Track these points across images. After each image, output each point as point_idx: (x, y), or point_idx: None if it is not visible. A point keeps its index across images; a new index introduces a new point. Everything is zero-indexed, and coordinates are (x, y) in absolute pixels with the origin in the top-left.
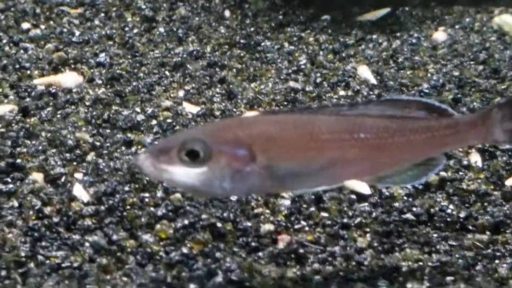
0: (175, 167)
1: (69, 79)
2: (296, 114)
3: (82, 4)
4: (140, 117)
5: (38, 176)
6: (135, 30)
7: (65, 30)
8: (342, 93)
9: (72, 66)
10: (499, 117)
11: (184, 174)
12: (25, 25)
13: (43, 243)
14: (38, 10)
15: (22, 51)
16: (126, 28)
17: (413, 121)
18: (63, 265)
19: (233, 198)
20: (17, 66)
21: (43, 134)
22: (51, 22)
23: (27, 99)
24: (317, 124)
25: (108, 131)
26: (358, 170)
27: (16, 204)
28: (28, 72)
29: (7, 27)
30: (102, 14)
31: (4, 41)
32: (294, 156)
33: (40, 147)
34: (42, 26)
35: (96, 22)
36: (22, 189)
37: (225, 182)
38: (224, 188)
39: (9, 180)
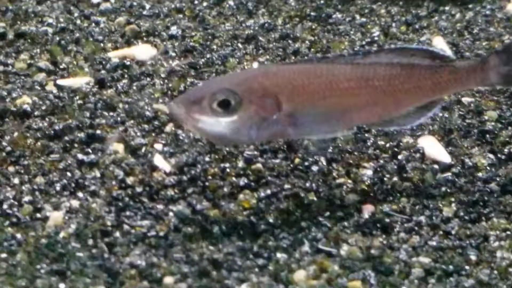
0: (207, 117)
1: (143, 51)
2: (316, 64)
3: None
4: None
5: (118, 147)
6: (205, 4)
7: (135, 3)
8: None
9: (145, 39)
10: (495, 63)
11: (215, 123)
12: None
13: (128, 213)
14: None
15: (93, 25)
16: (196, 2)
17: (419, 68)
18: (148, 234)
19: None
20: (90, 39)
21: (121, 105)
22: None
23: (102, 72)
24: (335, 73)
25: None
26: (370, 114)
27: (98, 174)
28: (102, 45)
29: (77, 1)
30: None
31: (76, 14)
32: (316, 103)
33: (119, 118)
34: (112, 0)
35: None
36: (103, 159)
37: (252, 130)
38: (250, 136)
39: (90, 150)
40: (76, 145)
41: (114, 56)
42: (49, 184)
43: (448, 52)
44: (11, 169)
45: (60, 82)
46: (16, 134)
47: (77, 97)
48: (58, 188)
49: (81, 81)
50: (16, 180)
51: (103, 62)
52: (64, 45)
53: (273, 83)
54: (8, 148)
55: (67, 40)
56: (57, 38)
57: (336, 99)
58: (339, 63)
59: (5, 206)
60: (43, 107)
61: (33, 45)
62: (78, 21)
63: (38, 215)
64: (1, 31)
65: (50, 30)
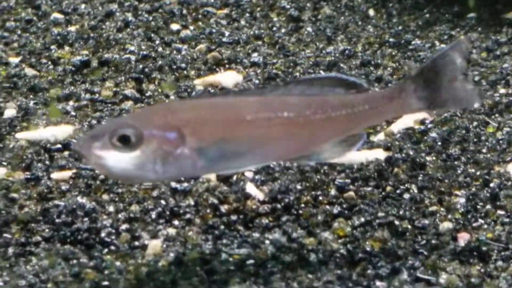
0: (108, 153)
1: (228, 78)
2: (222, 97)
3: (227, 4)
4: None
5: (211, 175)
6: (283, 30)
7: (214, 30)
8: (502, 91)
9: (227, 66)
10: (412, 88)
11: (116, 159)
12: (174, 26)
13: (224, 241)
14: (184, 11)
15: (175, 52)
16: (274, 28)
17: (333, 98)
18: (247, 262)
19: (406, 196)
20: (174, 66)
21: None
22: (199, 23)
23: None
24: (242, 105)
25: None
26: (284, 148)
27: (192, 202)
28: (185, 72)
29: (157, 28)
30: (248, 14)
31: (157, 42)
32: (222, 137)
33: None
34: (191, 27)
35: (243, 22)
36: (197, 187)
37: (157, 166)
38: (157, 172)
39: (182, 179)
40: None
41: (199, 83)
42: (144, 212)
43: (361, 80)
44: (105, 197)
45: None
46: None
47: None
48: (153, 216)
49: None
50: (111, 208)
51: (188, 90)
52: (148, 73)
53: (176, 116)
54: (102, 177)
55: (150, 67)
56: (140, 66)
57: (243, 132)
58: (246, 96)
59: (103, 234)
60: None
61: (117, 72)
62: (160, 49)
63: (137, 243)
64: (85, 59)
65: (132, 57)
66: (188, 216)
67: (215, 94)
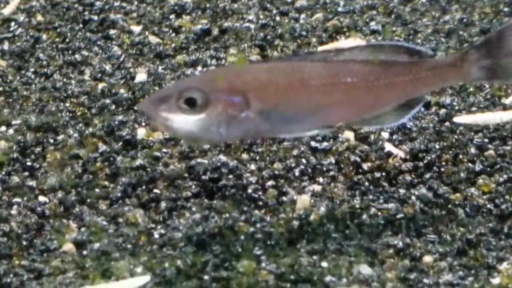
0: (175, 115)
1: (352, 44)
2: (286, 61)
3: None
4: None
5: (349, 135)
6: (396, 0)
7: (328, 1)
8: None
9: (346, 33)
10: (475, 57)
11: (183, 121)
12: None
13: (371, 197)
14: None
15: (293, 21)
16: None
17: (397, 64)
18: (397, 216)
19: None
20: (295, 34)
21: None
22: None
23: None
24: (306, 70)
25: None
26: (346, 113)
27: (333, 160)
28: (306, 39)
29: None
30: None
31: (273, 11)
32: (285, 101)
33: None
34: None
35: None
36: (336, 146)
37: (222, 128)
38: (221, 134)
39: (321, 139)
40: None
41: (323, 50)
42: (287, 170)
43: (426, 48)
44: (245, 156)
45: None
46: None
47: None
48: (297, 174)
49: None
50: (253, 167)
51: None
52: (270, 40)
53: (241, 81)
54: None
55: (271, 35)
56: (261, 34)
57: (307, 97)
58: (311, 61)
59: (250, 190)
60: None
61: (238, 40)
62: (277, 18)
63: (284, 198)
64: (206, 28)
65: (252, 26)
66: (331, 173)
67: (280, 57)
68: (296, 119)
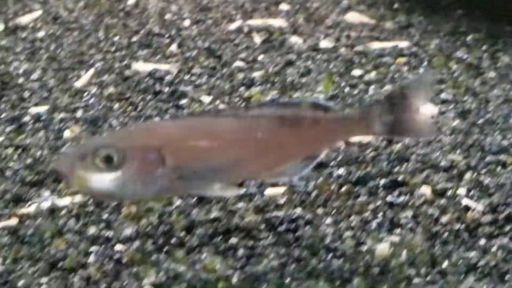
0: (91, 173)
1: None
2: (199, 117)
3: (403, 55)
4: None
5: (426, 190)
6: (464, 76)
7: (396, 76)
8: None
9: None
10: (378, 112)
11: (99, 179)
12: (356, 72)
13: (451, 246)
14: (363, 60)
15: (362, 92)
16: (455, 74)
17: (304, 118)
18: (478, 264)
19: None
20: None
21: (413, 157)
22: (381, 69)
23: None
24: (218, 126)
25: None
26: (258, 167)
27: (410, 214)
28: None
29: (339, 74)
30: (426, 63)
31: (342, 84)
32: (199, 157)
33: (416, 166)
34: (373, 72)
35: (421, 70)
36: (413, 201)
37: (137, 185)
38: (136, 191)
39: (396, 194)
40: (380, 189)
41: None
42: (364, 223)
43: (331, 102)
44: (319, 211)
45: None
46: (319, 180)
47: (368, 150)
48: (374, 226)
49: (367, 138)
50: (328, 220)
51: None
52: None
53: (156, 137)
54: (315, 192)
55: (342, 105)
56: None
57: (220, 152)
58: (222, 116)
59: (327, 241)
60: (338, 159)
61: None
62: (347, 89)
63: (363, 248)
64: (275, 97)
65: (321, 95)
66: (409, 225)
67: (193, 114)
68: (210, 175)
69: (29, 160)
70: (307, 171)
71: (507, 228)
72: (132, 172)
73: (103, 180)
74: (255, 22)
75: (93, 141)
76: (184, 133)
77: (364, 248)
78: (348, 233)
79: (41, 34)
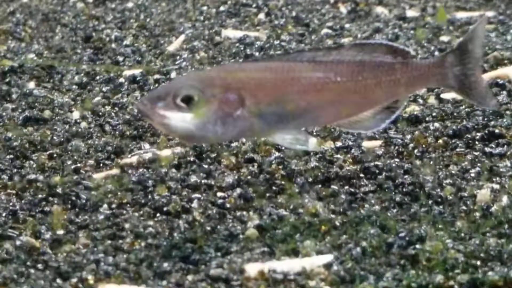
0: (171, 112)
1: None
2: (279, 61)
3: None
4: None
5: None
6: None
7: (485, 41)
8: None
9: (508, 65)
10: (451, 62)
11: (179, 118)
12: (445, 38)
13: None
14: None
15: None
16: None
17: (381, 65)
18: None
19: None
20: None
21: (508, 112)
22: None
23: None
24: (297, 70)
25: None
26: (336, 112)
27: (509, 163)
28: None
29: (427, 40)
30: None
31: (432, 48)
32: (279, 100)
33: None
34: None
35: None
36: (510, 151)
37: (217, 126)
38: (216, 132)
39: (493, 145)
40: (477, 141)
41: (487, 77)
42: (463, 172)
43: (408, 48)
44: (417, 162)
45: (442, 95)
46: (416, 133)
47: (463, 106)
48: (473, 174)
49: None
50: (427, 170)
51: None
52: None
53: (236, 79)
54: (411, 144)
55: None
56: None
57: (299, 96)
58: (301, 61)
59: (427, 188)
60: (433, 114)
61: None
62: (437, 53)
63: (463, 194)
64: None
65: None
66: (510, 173)
67: (273, 57)
68: (288, 118)
69: (127, 116)
70: (386, 125)
71: None
72: (212, 112)
73: (184, 119)
74: None
75: (175, 82)
76: (264, 76)
77: (465, 194)
78: (447, 181)
79: (130, 5)
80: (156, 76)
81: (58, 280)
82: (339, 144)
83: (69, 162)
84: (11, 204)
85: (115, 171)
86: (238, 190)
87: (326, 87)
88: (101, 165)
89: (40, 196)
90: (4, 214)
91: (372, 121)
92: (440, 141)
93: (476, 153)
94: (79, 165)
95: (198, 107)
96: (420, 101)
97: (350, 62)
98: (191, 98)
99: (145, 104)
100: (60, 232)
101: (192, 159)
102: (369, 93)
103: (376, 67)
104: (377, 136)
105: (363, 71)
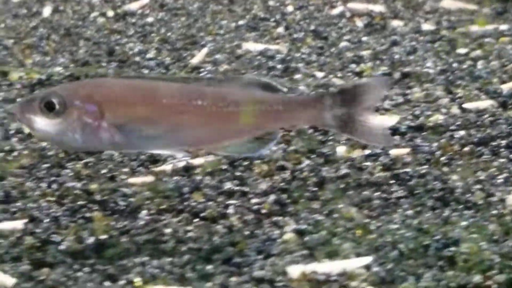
0: (36, 116)
1: None
2: (148, 80)
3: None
4: None
5: None
6: None
7: (502, 53)
8: None
9: None
10: (329, 103)
11: (42, 123)
12: (462, 51)
13: None
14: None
15: (471, 67)
16: None
17: (249, 94)
18: None
19: None
20: (475, 75)
21: None
22: (486, 47)
23: (499, 98)
24: (162, 90)
25: None
26: (199, 137)
27: None
28: (487, 80)
29: (445, 52)
30: None
31: (450, 60)
32: (138, 116)
33: None
34: (478, 50)
35: None
36: None
37: (77, 134)
38: (76, 140)
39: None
40: (502, 149)
41: (506, 87)
42: (491, 177)
43: (280, 84)
44: (445, 168)
45: (464, 105)
46: (442, 142)
47: (486, 115)
48: (501, 180)
49: (483, 104)
50: (456, 176)
51: (497, 91)
52: (452, 81)
53: (98, 91)
54: (439, 152)
55: (452, 78)
56: (442, 76)
57: (158, 115)
58: (170, 82)
59: (456, 194)
60: (457, 122)
61: (420, 82)
62: (455, 65)
63: (493, 199)
64: (387, 72)
65: (431, 71)
66: None
67: (144, 76)
68: (148, 136)
69: None
70: (260, 153)
71: None
72: (71, 120)
73: (46, 124)
74: (356, 7)
75: (46, 90)
76: (126, 92)
77: (494, 199)
78: (476, 187)
79: (149, 19)
80: None
81: (107, 283)
82: (367, 152)
83: (104, 171)
84: (52, 210)
85: (150, 178)
86: (272, 196)
87: (187, 109)
88: (136, 173)
89: (79, 203)
90: (47, 220)
91: (244, 148)
92: (466, 148)
93: (502, 160)
94: (114, 173)
95: (58, 114)
96: (443, 110)
97: (217, 88)
98: (53, 104)
99: (17, 107)
100: (103, 236)
101: (225, 167)
102: (232, 121)
103: (241, 96)
104: (403, 144)
105: (227, 99)
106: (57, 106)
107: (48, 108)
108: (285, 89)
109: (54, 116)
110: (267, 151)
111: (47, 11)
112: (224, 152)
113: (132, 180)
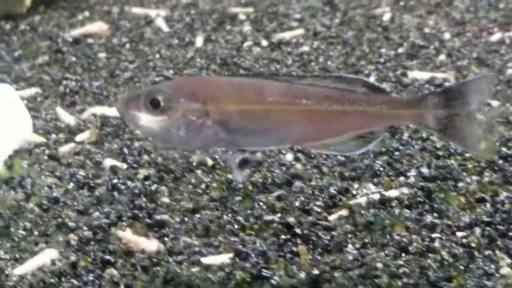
0: (141, 113)
1: None
2: (250, 78)
3: None
4: None
5: None
6: None
7: None
8: None
9: None
10: (432, 103)
11: (147, 120)
12: None
13: None
14: None
15: None
16: None
17: (354, 94)
18: None
19: None
20: None
21: None
22: None
23: None
24: (266, 88)
25: None
26: (303, 134)
27: None
28: None
29: None
30: None
31: None
32: (243, 114)
33: None
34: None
35: None
36: None
37: (181, 131)
38: (180, 137)
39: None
40: None
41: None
42: None
43: (385, 85)
44: None
45: None
46: None
47: None
48: None
49: None
50: None
51: None
52: None
53: (203, 89)
54: None
55: None
56: None
57: (264, 113)
58: (274, 80)
59: None
60: None
61: None
62: None
63: None
64: None
65: None
66: None
67: (247, 74)
68: (252, 133)
69: (340, 157)
70: (361, 151)
71: None
72: (176, 118)
73: (150, 121)
74: None
75: (149, 87)
76: (230, 90)
77: None
78: None
79: (305, 48)
80: None
81: None
82: None
83: (296, 203)
84: (257, 244)
85: (345, 211)
86: (478, 230)
87: (293, 107)
88: (330, 206)
89: (283, 236)
90: (253, 255)
91: (345, 146)
92: None
93: None
94: (308, 206)
95: (164, 111)
96: None
97: (322, 87)
98: (158, 101)
99: (120, 105)
100: (315, 272)
101: (421, 199)
102: (336, 120)
103: (348, 95)
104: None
105: (334, 97)
106: (162, 103)
107: (153, 105)
108: (389, 89)
109: (159, 113)
110: (368, 148)
111: (199, 40)
112: (325, 150)
113: (328, 214)
